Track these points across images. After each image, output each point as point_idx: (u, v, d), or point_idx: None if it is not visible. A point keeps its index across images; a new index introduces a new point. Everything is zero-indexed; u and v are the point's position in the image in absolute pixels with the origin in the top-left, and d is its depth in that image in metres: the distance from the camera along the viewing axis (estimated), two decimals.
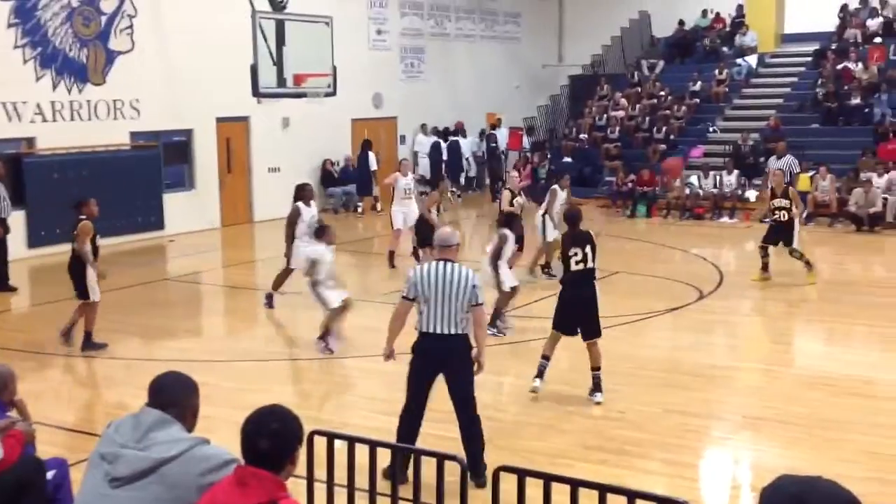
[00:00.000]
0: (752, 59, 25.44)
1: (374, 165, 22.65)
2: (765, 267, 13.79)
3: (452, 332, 6.63)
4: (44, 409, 7.74)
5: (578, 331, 8.65)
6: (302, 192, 12.29)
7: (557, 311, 8.73)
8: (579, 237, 8.63)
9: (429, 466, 4.98)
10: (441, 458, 4.93)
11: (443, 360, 6.72)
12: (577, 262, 8.55)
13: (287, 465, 3.33)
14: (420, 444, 6.16)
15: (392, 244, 15.23)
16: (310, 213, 12.27)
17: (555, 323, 8.75)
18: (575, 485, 4.45)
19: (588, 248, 8.56)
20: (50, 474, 5.25)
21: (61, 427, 7.89)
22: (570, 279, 8.61)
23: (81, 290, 10.48)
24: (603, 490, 4.40)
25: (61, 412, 8.43)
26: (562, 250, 8.73)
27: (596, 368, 8.61)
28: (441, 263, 6.68)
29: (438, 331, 6.62)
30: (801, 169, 19.00)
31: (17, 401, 5.53)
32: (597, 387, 8.57)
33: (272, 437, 3.28)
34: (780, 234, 13.73)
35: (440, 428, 7.38)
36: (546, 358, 8.74)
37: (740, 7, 26.98)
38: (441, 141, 25.16)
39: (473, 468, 6.49)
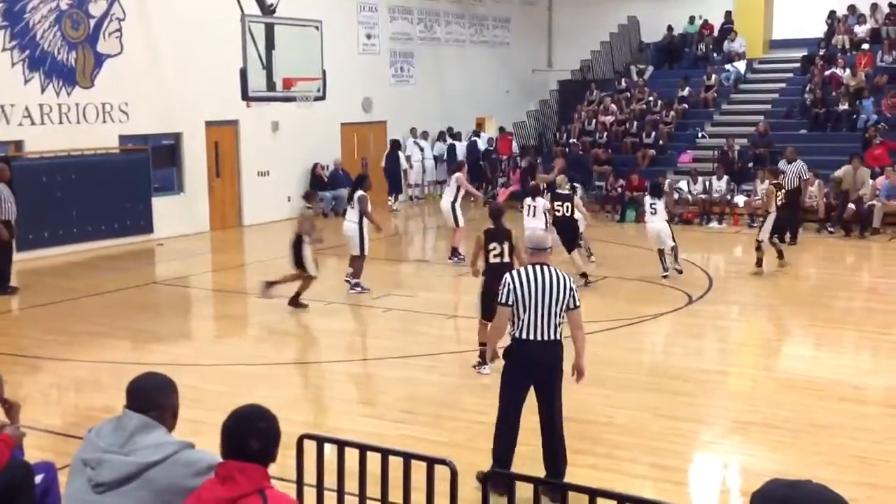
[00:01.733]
0: (740, 65, 25.56)
1: (404, 164, 22.99)
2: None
3: (553, 337, 6.44)
4: (32, 412, 7.71)
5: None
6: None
7: (483, 302, 9.18)
8: (499, 232, 9.29)
9: (418, 471, 4.97)
10: (431, 463, 4.93)
11: (544, 367, 6.48)
12: (494, 256, 9.28)
13: (269, 463, 3.40)
14: (409, 447, 6.15)
15: (456, 241, 16.00)
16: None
17: (483, 313, 9.21)
18: (564, 489, 4.46)
19: (506, 244, 9.19)
20: (38, 478, 5.22)
21: (49, 431, 7.86)
22: (489, 271, 9.20)
23: (299, 263, 12.39)
24: (592, 494, 4.40)
25: (50, 416, 8.40)
26: (483, 244, 9.40)
27: (482, 343, 9.14)
28: (538, 267, 6.48)
29: (540, 337, 6.40)
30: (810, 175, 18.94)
31: (13, 403, 5.50)
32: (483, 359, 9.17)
33: (262, 437, 3.34)
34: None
35: (429, 432, 7.40)
36: (484, 345, 9.13)
37: (728, 13, 27.10)
38: (456, 143, 25.32)
39: (555, 477, 6.24)
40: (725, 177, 20.68)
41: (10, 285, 13.91)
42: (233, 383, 9.36)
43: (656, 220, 14.42)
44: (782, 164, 18.08)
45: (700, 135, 23.75)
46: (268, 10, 16.57)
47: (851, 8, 25.56)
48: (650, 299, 13.07)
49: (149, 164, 18.69)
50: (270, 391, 8.99)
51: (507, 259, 9.16)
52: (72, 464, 3.68)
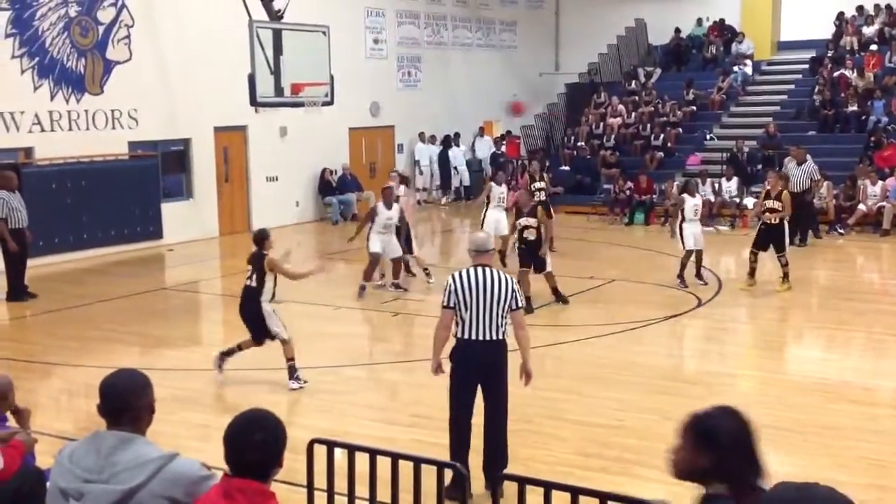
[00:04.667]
0: (746, 68, 25.45)
1: (454, 161, 23.62)
2: (752, 273, 13.80)
3: (496, 337, 6.56)
4: (43, 418, 7.74)
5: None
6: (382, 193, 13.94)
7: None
8: (253, 255, 9.61)
9: (428, 475, 4.98)
10: (441, 467, 4.94)
11: (488, 366, 6.62)
12: (247, 279, 9.58)
13: (274, 471, 3.27)
14: (418, 452, 6.15)
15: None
16: (386, 214, 13.63)
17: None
18: (575, 493, 4.46)
19: (256, 269, 9.47)
20: (49, 484, 5.24)
21: (60, 436, 7.86)
22: (242, 293, 9.65)
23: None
24: (603, 498, 4.41)
25: (60, 421, 8.42)
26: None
27: (288, 360, 9.48)
28: (479, 269, 6.60)
29: (482, 337, 6.53)
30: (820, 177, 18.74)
31: (23, 409, 5.53)
32: (290, 374, 9.47)
33: (258, 449, 3.20)
34: (770, 238, 13.72)
35: (439, 436, 7.38)
36: (240, 348, 9.71)
37: (735, 15, 27.04)
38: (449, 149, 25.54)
39: (492, 480, 6.41)
40: (735, 178, 20.65)
41: (29, 292, 14.01)
42: (243, 388, 9.38)
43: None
44: (791, 167, 18.01)
45: (709, 137, 23.73)
46: (275, 16, 16.63)
47: (859, 9, 25.50)
48: (659, 302, 13.06)
49: (158, 170, 18.75)
50: (280, 395, 9.01)
51: (254, 284, 9.45)
52: (49, 490, 3.52)
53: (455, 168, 25.63)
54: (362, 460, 5.12)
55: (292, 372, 9.47)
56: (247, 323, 9.61)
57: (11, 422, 5.52)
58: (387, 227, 13.68)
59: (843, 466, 7.14)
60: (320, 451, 5.29)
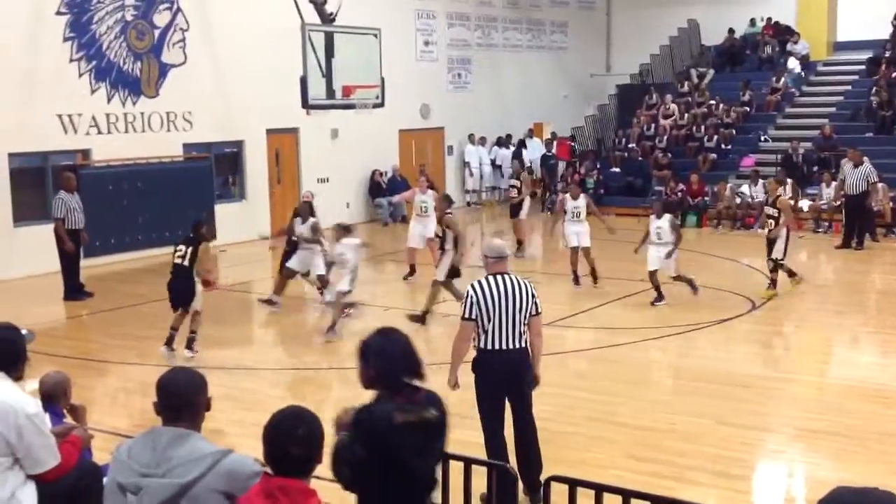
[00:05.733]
0: (796, 68, 25.01)
1: (528, 162, 23.88)
2: (773, 282, 13.43)
3: (519, 345, 6.39)
4: (99, 415, 7.88)
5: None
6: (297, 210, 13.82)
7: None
8: (188, 239, 10.67)
9: (478, 475, 4.98)
10: (491, 467, 4.93)
11: (513, 375, 6.45)
12: (178, 257, 10.60)
13: (314, 466, 3.30)
14: (466, 453, 6.16)
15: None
16: (298, 229, 13.36)
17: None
18: (627, 496, 4.43)
19: (189, 249, 10.49)
20: (106, 479, 5.33)
21: (115, 433, 8.00)
22: (172, 270, 10.71)
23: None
24: (655, 501, 4.37)
25: (115, 418, 8.57)
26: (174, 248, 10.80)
27: (192, 332, 10.67)
28: (499, 277, 6.39)
29: (507, 346, 6.34)
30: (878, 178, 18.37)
31: (79, 406, 5.65)
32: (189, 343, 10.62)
33: (302, 444, 3.24)
34: (769, 244, 13.41)
35: (482, 437, 7.38)
36: (175, 329, 10.72)
37: (790, 15, 26.65)
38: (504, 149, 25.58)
39: (532, 484, 6.41)
40: (789, 180, 20.33)
41: (85, 290, 14.29)
42: (293, 388, 9.46)
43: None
44: (848, 168, 17.72)
45: (763, 138, 23.42)
46: (327, 19, 16.73)
47: None
48: (712, 305, 12.91)
49: (212, 172, 18.98)
50: (327, 395, 9.07)
51: (185, 263, 10.47)
52: (106, 486, 3.60)
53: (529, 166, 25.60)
54: None
55: (191, 342, 10.61)
56: (173, 292, 10.72)
57: (68, 418, 5.63)
58: (302, 240, 13.17)
59: None
60: None
